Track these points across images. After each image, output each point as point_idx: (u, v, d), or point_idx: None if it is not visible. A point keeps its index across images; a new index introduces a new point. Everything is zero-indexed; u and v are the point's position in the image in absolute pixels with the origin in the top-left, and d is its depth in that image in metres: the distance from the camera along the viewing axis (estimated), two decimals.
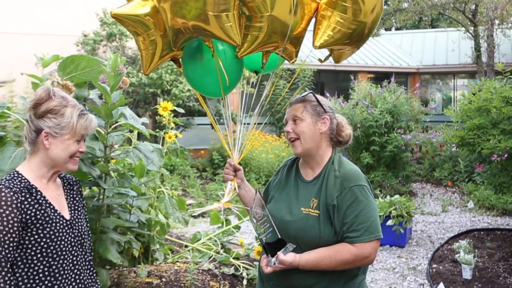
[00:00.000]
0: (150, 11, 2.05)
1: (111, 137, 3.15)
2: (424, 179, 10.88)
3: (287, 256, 2.03)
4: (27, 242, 1.82)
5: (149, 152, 3.37)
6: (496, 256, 5.64)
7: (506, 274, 5.11)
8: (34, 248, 1.83)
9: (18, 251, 1.82)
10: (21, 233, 1.81)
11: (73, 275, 1.94)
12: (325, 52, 2.32)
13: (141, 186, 3.63)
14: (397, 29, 23.45)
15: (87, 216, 2.15)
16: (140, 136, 4.00)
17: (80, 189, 2.15)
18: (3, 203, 1.77)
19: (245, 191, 2.41)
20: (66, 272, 1.90)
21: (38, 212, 1.84)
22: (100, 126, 3.09)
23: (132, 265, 3.94)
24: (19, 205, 1.80)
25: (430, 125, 11.65)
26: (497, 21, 15.00)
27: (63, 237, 1.90)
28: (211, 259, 4.33)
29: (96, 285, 2.09)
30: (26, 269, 1.83)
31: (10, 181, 1.85)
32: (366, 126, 8.91)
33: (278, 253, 2.03)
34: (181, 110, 4.19)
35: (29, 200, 1.85)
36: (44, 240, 1.84)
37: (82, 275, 1.98)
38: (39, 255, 1.84)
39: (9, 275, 1.76)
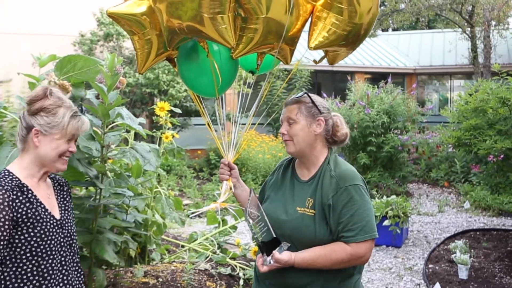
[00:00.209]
0: (146, 10, 2.06)
1: (108, 137, 3.15)
2: (421, 180, 10.91)
3: (283, 255, 2.03)
4: (17, 241, 1.81)
5: (146, 152, 3.37)
6: (492, 256, 5.66)
7: (502, 274, 5.12)
8: (23, 247, 1.82)
9: (8, 249, 1.80)
10: (11, 231, 1.79)
11: (61, 276, 1.92)
12: (321, 52, 2.31)
13: (138, 186, 3.63)
14: (394, 29, 23.48)
15: (73, 218, 2.12)
16: (137, 136, 4.00)
17: (69, 190, 2.15)
18: None
19: (241, 191, 2.42)
20: (54, 272, 1.89)
21: (29, 211, 1.83)
22: (97, 126, 3.09)
23: (128, 265, 3.94)
24: (10, 203, 1.79)
25: (426, 125, 11.68)
26: (493, 22, 15.02)
27: (53, 237, 1.89)
28: (208, 259, 4.33)
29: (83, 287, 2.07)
30: (14, 268, 1.81)
31: (1, 179, 1.84)
32: (363, 127, 8.93)
33: (274, 252, 2.03)
34: (178, 110, 4.19)
35: (20, 198, 1.84)
36: (34, 239, 1.83)
37: (70, 275, 1.97)
38: (28, 254, 1.82)
39: None
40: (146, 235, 3.86)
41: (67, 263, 1.96)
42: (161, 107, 4.08)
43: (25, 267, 1.82)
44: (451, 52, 17.16)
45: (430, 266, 5.49)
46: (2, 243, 1.77)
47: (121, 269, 3.82)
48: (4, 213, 1.77)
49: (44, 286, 1.85)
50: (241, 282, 4.08)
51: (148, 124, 11.38)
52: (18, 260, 1.82)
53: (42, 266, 1.85)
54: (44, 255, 1.86)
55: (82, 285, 2.07)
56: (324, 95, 10.37)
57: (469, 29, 15.28)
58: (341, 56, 2.32)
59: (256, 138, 11.57)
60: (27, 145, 1.92)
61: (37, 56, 2.91)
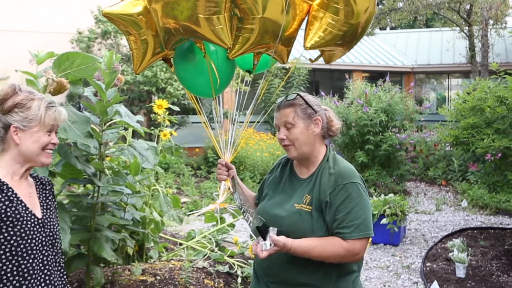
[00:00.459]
0: (142, 10, 2.04)
1: (105, 135, 3.14)
2: (418, 178, 10.92)
3: (280, 237, 2.00)
4: None
5: (144, 150, 3.37)
6: (490, 254, 5.67)
7: (499, 272, 5.13)
8: (3, 247, 1.77)
9: None
10: None
11: (43, 275, 1.87)
12: (317, 51, 2.31)
13: (136, 184, 3.62)
14: (392, 28, 23.51)
15: (58, 218, 2.09)
16: (135, 134, 4.00)
17: (52, 189, 2.10)
18: None
19: (240, 189, 2.41)
20: (35, 272, 1.84)
21: (8, 209, 1.79)
22: (95, 124, 3.08)
23: (126, 263, 3.94)
24: None
25: (424, 124, 11.70)
26: (491, 21, 15.07)
27: (34, 236, 1.84)
28: (206, 257, 4.33)
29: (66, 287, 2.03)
30: None
31: None
32: (360, 125, 8.93)
33: (271, 234, 1.99)
34: (176, 108, 4.19)
35: (0, 197, 1.80)
36: (14, 238, 1.78)
37: (53, 276, 1.92)
38: (8, 254, 1.77)
39: None
40: (144, 233, 3.86)
41: (49, 263, 1.91)
42: (159, 105, 4.07)
43: (4, 267, 1.77)
44: (449, 51, 17.19)
45: (428, 264, 5.50)
46: None
47: (119, 267, 3.81)
48: None
49: (24, 287, 1.80)
50: (239, 280, 4.08)
51: (146, 122, 11.37)
52: None
53: (23, 266, 1.80)
54: (25, 255, 1.81)
55: (66, 285, 2.02)
56: (322, 93, 10.37)
57: (467, 28, 15.31)
58: (337, 55, 2.32)
59: (254, 136, 11.57)
60: (6, 145, 1.88)
61: (35, 53, 2.90)
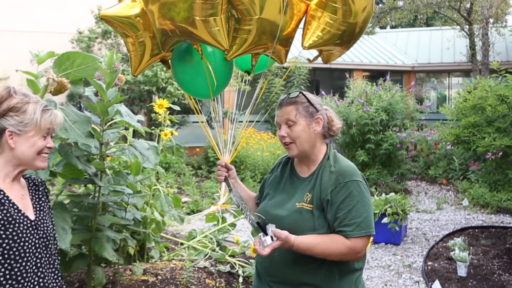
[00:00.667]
0: (139, 12, 2.01)
1: (106, 135, 3.14)
2: (419, 177, 10.92)
3: (283, 231, 1.98)
4: None
5: (144, 149, 3.37)
6: (491, 253, 5.66)
7: (500, 271, 5.13)
8: None
9: None
10: None
11: (37, 278, 1.84)
12: (316, 50, 2.29)
13: (137, 183, 3.62)
14: (392, 27, 23.51)
15: (53, 219, 2.05)
16: (136, 134, 3.99)
17: (45, 190, 2.06)
18: None
19: (239, 190, 2.41)
20: (29, 275, 1.80)
21: (0, 212, 1.76)
22: (96, 123, 3.08)
23: (127, 263, 3.94)
24: None
25: (425, 123, 11.69)
26: (492, 20, 15.04)
27: (27, 238, 1.81)
28: (207, 256, 4.33)
29: None
30: None
31: None
32: (361, 124, 8.92)
33: (273, 229, 1.97)
34: (177, 108, 4.19)
35: None
36: (6, 241, 1.75)
37: (46, 278, 1.88)
38: (0, 258, 1.74)
39: None
40: (145, 232, 3.86)
41: (43, 265, 1.87)
42: (160, 105, 4.07)
43: None
44: (449, 49, 17.18)
45: (429, 263, 5.49)
46: None
47: (120, 266, 3.81)
48: None
49: None
50: (240, 279, 4.08)
51: (147, 121, 11.37)
52: None
53: (16, 269, 1.77)
54: (18, 258, 1.77)
55: (61, 287, 1.99)
56: (323, 92, 10.36)
57: (467, 26, 15.30)
58: (335, 55, 2.31)
59: (254, 136, 11.57)
60: (1, 148, 1.84)
61: (35, 53, 2.90)
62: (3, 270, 1.74)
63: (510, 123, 5.45)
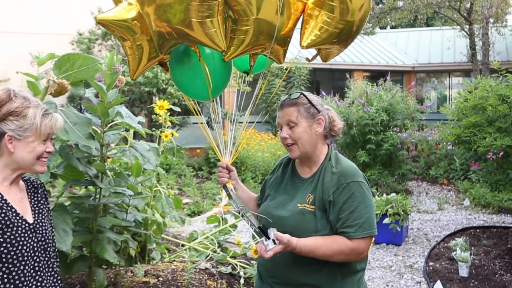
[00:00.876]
0: (136, 15, 2.00)
1: (107, 136, 3.14)
2: (420, 177, 10.91)
3: (285, 234, 1.97)
4: None
5: (145, 151, 3.36)
6: (492, 253, 5.65)
7: (502, 271, 5.12)
8: None
9: None
10: None
11: (35, 282, 1.82)
12: (314, 50, 2.29)
13: (138, 185, 3.62)
14: (392, 27, 23.50)
15: (52, 221, 2.04)
16: (136, 135, 3.99)
17: (45, 192, 2.04)
18: None
19: (241, 192, 2.41)
20: (27, 279, 1.79)
21: None
22: (96, 125, 3.08)
23: (128, 264, 3.93)
24: None
25: (425, 123, 11.68)
26: (492, 20, 15.04)
27: (25, 242, 1.79)
28: (208, 258, 4.32)
29: None
30: None
31: None
32: (362, 125, 8.92)
33: (276, 232, 1.97)
34: (177, 109, 4.18)
35: None
36: (4, 245, 1.73)
37: (45, 282, 1.86)
38: None
39: None
40: (146, 234, 3.85)
41: (41, 269, 1.86)
42: (161, 106, 4.06)
43: None
44: (449, 49, 17.18)
45: (431, 264, 5.49)
46: None
47: (122, 268, 3.81)
48: None
49: None
50: (242, 281, 4.07)
51: (147, 123, 11.37)
52: None
53: (14, 273, 1.75)
54: (16, 262, 1.76)
55: None
56: (323, 93, 10.36)
57: (467, 26, 15.29)
58: (334, 53, 2.30)
59: (255, 137, 11.57)
60: (0, 152, 1.83)
61: (35, 55, 2.90)
62: (1, 274, 1.73)
63: (511, 123, 5.45)
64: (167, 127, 4.22)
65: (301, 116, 2.14)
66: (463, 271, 5.03)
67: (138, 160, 3.31)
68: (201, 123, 2.41)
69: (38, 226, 1.89)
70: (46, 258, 1.90)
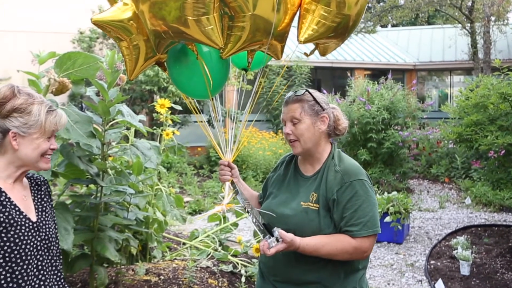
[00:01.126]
0: (132, 15, 1.99)
1: (108, 135, 3.14)
2: (421, 176, 10.90)
3: (289, 233, 1.98)
4: None
5: (146, 149, 3.36)
6: (494, 252, 5.65)
7: (503, 270, 5.12)
8: None
9: None
10: None
11: (38, 281, 1.81)
12: (311, 46, 2.28)
13: (139, 183, 3.62)
14: (393, 26, 23.46)
15: (55, 218, 2.02)
16: (137, 134, 3.99)
17: (48, 189, 2.03)
18: None
19: (243, 189, 2.40)
20: (30, 278, 1.77)
21: (1, 215, 1.73)
22: (97, 124, 3.08)
23: (130, 262, 3.93)
24: None
25: (427, 121, 11.66)
26: (493, 18, 15.00)
27: (29, 241, 1.78)
28: (209, 256, 4.32)
29: None
30: None
31: None
32: (363, 123, 8.91)
33: (280, 230, 1.97)
34: (178, 107, 4.18)
35: None
36: (7, 244, 1.72)
37: (48, 280, 1.85)
38: (1, 261, 1.71)
39: None
40: (147, 232, 3.86)
41: (44, 268, 1.85)
42: (162, 104, 4.06)
43: None
44: (451, 48, 17.16)
45: (432, 262, 5.48)
46: None
47: (123, 267, 3.81)
48: None
49: None
50: (243, 279, 4.07)
51: (148, 121, 11.37)
52: None
53: (17, 273, 1.74)
54: (19, 261, 1.74)
55: None
56: (324, 91, 10.35)
57: (468, 24, 15.25)
58: (332, 47, 2.29)
59: (256, 135, 11.57)
60: (3, 149, 1.81)
61: (36, 54, 2.90)
62: (4, 273, 1.72)
63: None
64: (168, 126, 4.22)
65: (305, 113, 2.14)
66: (465, 270, 5.03)
67: (139, 158, 3.31)
68: (201, 121, 2.41)
69: (41, 224, 1.87)
70: (50, 257, 1.89)
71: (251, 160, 10.49)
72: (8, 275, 1.72)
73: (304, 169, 2.25)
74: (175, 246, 4.91)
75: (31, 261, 1.79)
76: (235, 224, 4.84)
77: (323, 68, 16.34)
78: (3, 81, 9.40)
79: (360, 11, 2.10)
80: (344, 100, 9.70)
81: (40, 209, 1.92)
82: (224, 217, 4.84)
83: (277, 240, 1.96)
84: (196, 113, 2.44)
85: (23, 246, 1.76)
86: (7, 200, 1.78)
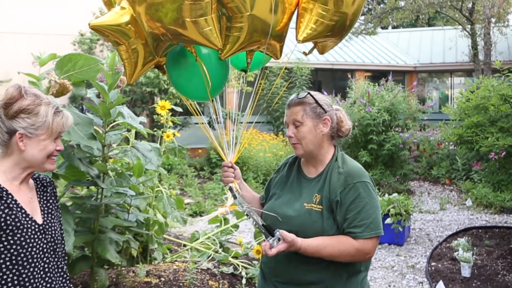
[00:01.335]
0: (130, 19, 1.99)
1: (109, 136, 3.14)
2: (422, 177, 10.89)
3: (290, 234, 1.99)
4: None
5: (147, 151, 3.36)
6: (495, 253, 5.64)
7: (504, 271, 5.11)
8: (3, 256, 1.70)
9: None
10: None
11: (44, 283, 1.81)
12: (309, 45, 2.28)
13: (139, 185, 3.62)
14: (394, 27, 23.46)
15: (61, 219, 2.02)
16: (138, 135, 3.99)
17: (54, 190, 2.02)
18: None
19: (245, 191, 2.41)
20: (37, 280, 1.77)
21: (8, 218, 1.71)
22: (98, 125, 3.08)
23: (130, 264, 3.93)
24: None
25: (427, 123, 11.66)
26: (493, 19, 15.00)
27: (35, 243, 1.78)
28: (210, 258, 4.32)
29: None
30: None
31: None
32: (364, 125, 8.91)
33: (281, 230, 1.98)
34: (179, 109, 4.18)
35: None
36: (14, 247, 1.71)
37: (54, 283, 1.85)
38: (8, 263, 1.70)
39: None
40: (148, 234, 3.85)
41: (51, 270, 1.85)
42: (162, 106, 4.06)
43: (5, 277, 1.70)
44: (451, 49, 17.16)
45: (433, 264, 5.48)
46: None
47: (123, 268, 3.81)
48: None
49: None
50: (244, 281, 4.07)
51: (149, 123, 11.37)
52: None
53: (24, 275, 1.73)
54: (26, 264, 1.74)
55: None
56: (325, 93, 10.34)
57: (469, 26, 15.26)
58: (330, 46, 2.29)
59: (257, 137, 11.56)
60: (10, 150, 1.80)
61: (37, 55, 2.90)
62: (11, 276, 1.72)
63: None
64: (169, 127, 4.22)
65: (307, 116, 2.15)
66: (466, 272, 5.02)
67: (140, 160, 3.31)
68: (202, 123, 2.41)
69: (47, 226, 1.87)
70: (56, 259, 1.89)
71: (252, 162, 10.49)
72: (15, 277, 1.72)
73: (307, 170, 2.25)
74: (176, 248, 4.90)
75: (37, 263, 1.79)
76: (236, 226, 4.84)
77: (324, 69, 16.35)
78: (4, 83, 9.41)
79: (357, 9, 2.10)
80: (345, 102, 9.70)
81: (46, 211, 1.91)
82: (225, 219, 4.84)
83: (279, 240, 1.97)
84: (197, 114, 2.44)
85: (30, 249, 1.76)
86: (13, 202, 1.77)
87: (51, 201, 1.97)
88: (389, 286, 5.03)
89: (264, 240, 2.03)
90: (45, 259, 1.82)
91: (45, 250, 1.83)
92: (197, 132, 12.15)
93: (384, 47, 18.86)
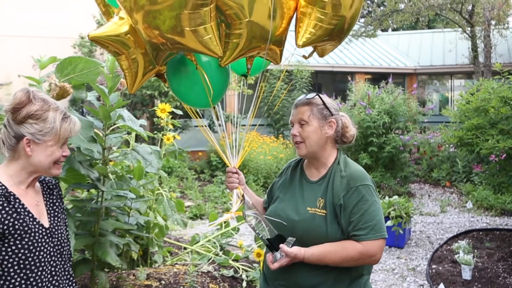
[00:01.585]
0: (129, 29, 1.99)
1: (109, 139, 3.14)
2: (422, 180, 10.89)
3: (292, 248, 2.02)
4: (3, 253, 1.70)
5: (147, 154, 3.36)
6: (496, 256, 5.63)
7: (505, 274, 5.10)
8: (11, 260, 1.71)
9: None
10: None
11: (52, 287, 1.82)
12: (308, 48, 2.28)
13: (140, 188, 3.62)
14: (394, 30, 23.47)
15: (66, 221, 2.02)
16: (138, 138, 3.99)
17: (59, 192, 2.03)
18: None
19: (248, 196, 2.40)
20: (44, 284, 1.78)
21: (16, 222, 1.72)
22: (98, 128, 3.08)
23: (131, 267, 3.93)
24: None
25: (427, 125, 11.66)
26: (493, 22, 15.01)
27: (42, 247, 1.78)
28: (210, 261, 4.32)
29: None
30: (2, 282, 1.70)
31: None
32: (364, 127, 8.91)
33: (281, 245, 2.01)
34: (179, 112, 4.18)
35: (7, 209, 1.71)
36: (22, 251, 1.72)
37: (61, 286, 1.86)
38: (16, 268, 1.71)
39: None
40: (148, 237, 3.85)
41: (58, 273, 1.85)
42: (162, 109, 4.07)
43: (13, 281, 1.71)
44: (451, 51, 17.16)
45: (434, 266, 5.47)
46: None
47: (124, 271, 3.80)
48: None
49: None
50: (244, 284, 4.06)
51: (149, 126, 11.37)
52: (6, 274, 1.71)
53: (31, 279, 1.74)
54: (33, 267, 1.75)
55: None
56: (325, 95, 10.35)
57: (469, 28, 15.26)
58: (329, 49, 2.30)
59: (257, 140, 11.56)
60: (17, 154, 1.79)
61: (37, 58, 2.91)
62: (19, 280, 1.72)
63: None
64: (169, 130, 4.22)
65: (313, 116, 2.17)
66: (466, 274, 5.01)
67: (140, 163, 3.31)
68: (202, 126, 2.41)
69: (54, 230, 1.87)
70: (63, 262, 1.89)
71: (252, 164, 10.48)
72: (23, 281, 1.73)
73: (310, 173, 2.26)
74: (176, 250, 4.90)
75: (45, 267, 1.79)
76: (236, 229, 4.84)
77: (324, 72, 16.35)
78: (4, 86, 9.41)
79: (355, 12, 2.11)
80: (345, 104, 9.71)
81: (52, 215, 1.92)
82: (225, 222, 4.83)
83: (281, 255, 2.02)
84: (197, 117, 2.44)
85: (37, 253, 1.76)
86: (21, 206, 1.77)
87: (57, 203, 1.97)
88: None
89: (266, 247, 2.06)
90: (52, 262, 1.83)
91: (52, 253, 1.83)
92: (197, 135, 12.14)
93: (384, 49, 18.87)
